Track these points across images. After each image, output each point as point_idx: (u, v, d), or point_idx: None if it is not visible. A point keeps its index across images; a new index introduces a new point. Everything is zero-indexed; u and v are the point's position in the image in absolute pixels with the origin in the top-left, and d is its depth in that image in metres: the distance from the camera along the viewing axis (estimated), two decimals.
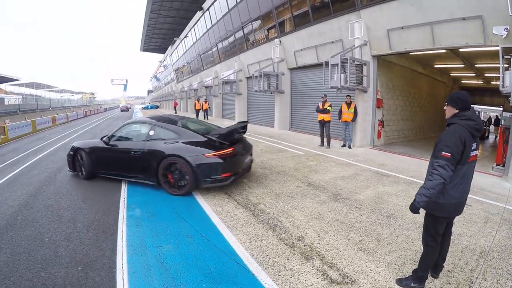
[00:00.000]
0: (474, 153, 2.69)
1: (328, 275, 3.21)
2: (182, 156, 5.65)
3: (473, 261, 3.61)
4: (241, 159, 6.19)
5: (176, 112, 39.33)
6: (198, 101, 27.10)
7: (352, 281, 3.14)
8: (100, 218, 4.75)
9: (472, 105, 2.78)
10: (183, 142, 5.87)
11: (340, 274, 3.25)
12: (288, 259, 3.52)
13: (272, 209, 5.10)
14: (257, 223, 4.50)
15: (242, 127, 6.43)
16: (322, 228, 4.38)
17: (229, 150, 5.82)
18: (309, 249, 3.77)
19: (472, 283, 3.18)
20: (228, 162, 5.75)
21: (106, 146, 6.57)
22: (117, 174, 6.68)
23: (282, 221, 4.60)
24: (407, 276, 3.14)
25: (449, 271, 3.39)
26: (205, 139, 5.98)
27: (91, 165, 6.82)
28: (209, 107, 27.19)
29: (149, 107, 70.73)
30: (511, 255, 3.76)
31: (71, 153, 7.13)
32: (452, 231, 3.22)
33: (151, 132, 6.33)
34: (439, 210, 2.77)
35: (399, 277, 3.18)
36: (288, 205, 5.27)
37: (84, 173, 6.98)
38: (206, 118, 25.51)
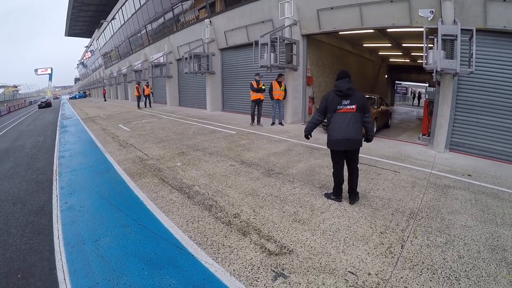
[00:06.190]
0: (346, 107, 3.95)
1: (266, 248, 3.21)
2: None
3: (403, 222, 3.73)
4: None
5: (105, 100, 36.24)
6: (139, 85, 21.92)
7: (290, 251, 3.15)
8: (34, 220, 4.34)
9: (347, 78, 4.03)
10: None
11: (277, 245, 3.26)
12: (225, 236, 3.47)
13: (207, 190, 4.94)
14: (193, 205, 4.37)
15: None
16: (257, 203, 4.34)
17: None
18: (245, 225, 3.74)
19: (404, 241, 3.27)
20: None
21: None
22: None
23: (218, 200, 4.50)
24: (330, 192, 4.48)
25: (381, 233, 3.44)
26: None
27: None
28: (151, 92, 21.97)
29: (77, 96, 63.89)
30: (439, 214, 3.98)
31: None
32: (358, 167, 4.25)
33: None
34: (328, 144, 4.17)
35: (325, 192, 4.58)
36: (223, 185, 5.14)
37: None
38: (148, 105, 21.52)
